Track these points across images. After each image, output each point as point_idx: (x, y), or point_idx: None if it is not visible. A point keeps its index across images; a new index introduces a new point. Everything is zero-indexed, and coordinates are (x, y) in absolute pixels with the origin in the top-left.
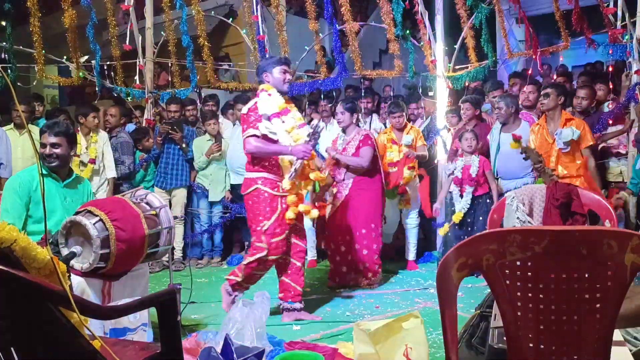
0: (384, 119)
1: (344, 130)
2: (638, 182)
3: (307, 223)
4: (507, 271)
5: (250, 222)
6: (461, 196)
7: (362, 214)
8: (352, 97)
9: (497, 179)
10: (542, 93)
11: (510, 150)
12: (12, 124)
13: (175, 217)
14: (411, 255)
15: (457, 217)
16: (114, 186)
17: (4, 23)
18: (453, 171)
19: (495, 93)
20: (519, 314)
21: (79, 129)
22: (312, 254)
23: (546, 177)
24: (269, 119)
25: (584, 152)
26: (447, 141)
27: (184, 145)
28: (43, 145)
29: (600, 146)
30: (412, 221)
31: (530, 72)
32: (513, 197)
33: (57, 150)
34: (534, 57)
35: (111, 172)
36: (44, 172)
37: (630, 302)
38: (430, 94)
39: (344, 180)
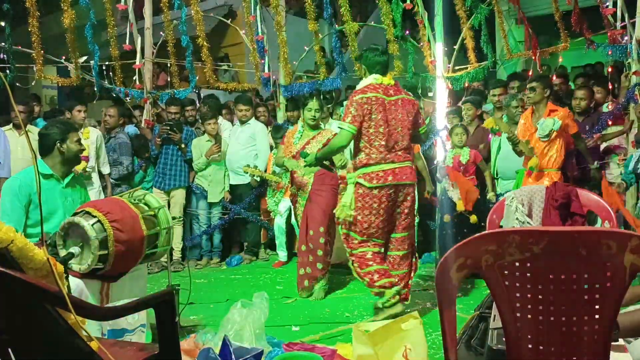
0: None
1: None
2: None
3: (279, 221)
4: (506, 272)
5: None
6: (453, 186)
7: (319, 213)
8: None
9: (497, 179)
10: (528, 87)
11: (510, 150)
12: (11, 124)
13: (173, 218)
14: None
15: (460, 206)
16: (111, 186)
17: (3, 23)
18: (444, 161)
19: (496, 91)
20: (518, 315)
21: None
22: (282, 254)
23: (524, 146)
24: None
25: (574, 137)
26: (446, 142)
27: (182, 146)
28: (80, 142)
29: (604, 146)
30: None
31: (530, 73)
32: (512, 198)
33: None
34: (533, 57)
35: (106, 169)
36: (46, 172)
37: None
38: (430, 94)
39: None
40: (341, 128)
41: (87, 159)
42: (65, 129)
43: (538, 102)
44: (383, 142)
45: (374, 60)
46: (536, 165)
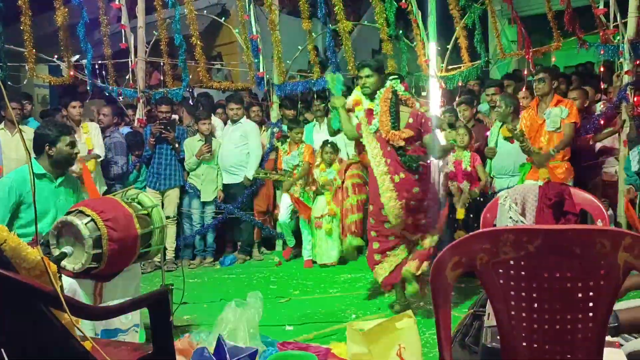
0: None
1: None
2: (635, 179)
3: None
4: (500, 270)
5: None
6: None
7: None
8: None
9: (492, 177)
10: (536, 78)
11: (506, 149)
12: (3, 123)
13: (167, 217)
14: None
15: (460, 214)
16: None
17: None
18: (446, 165)
19: (490, 90)
20: (512, 313)
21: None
22: (308, 254)
23: (537, 156)
24: None
25: (565, 127)
26: (441, 140)
27: (176, 145)
28: (73, 145)
29: (599, 147)
30: None
31: (525, 72)
32: (506, 197)
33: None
34: (526, 57)
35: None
36: (39, 172)
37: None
38: (423, 93)
39: None
40: None
41: (97, 156)
42: (58, 132)
43: (546, 94)
44: None
45: None
46: (545, 177)
